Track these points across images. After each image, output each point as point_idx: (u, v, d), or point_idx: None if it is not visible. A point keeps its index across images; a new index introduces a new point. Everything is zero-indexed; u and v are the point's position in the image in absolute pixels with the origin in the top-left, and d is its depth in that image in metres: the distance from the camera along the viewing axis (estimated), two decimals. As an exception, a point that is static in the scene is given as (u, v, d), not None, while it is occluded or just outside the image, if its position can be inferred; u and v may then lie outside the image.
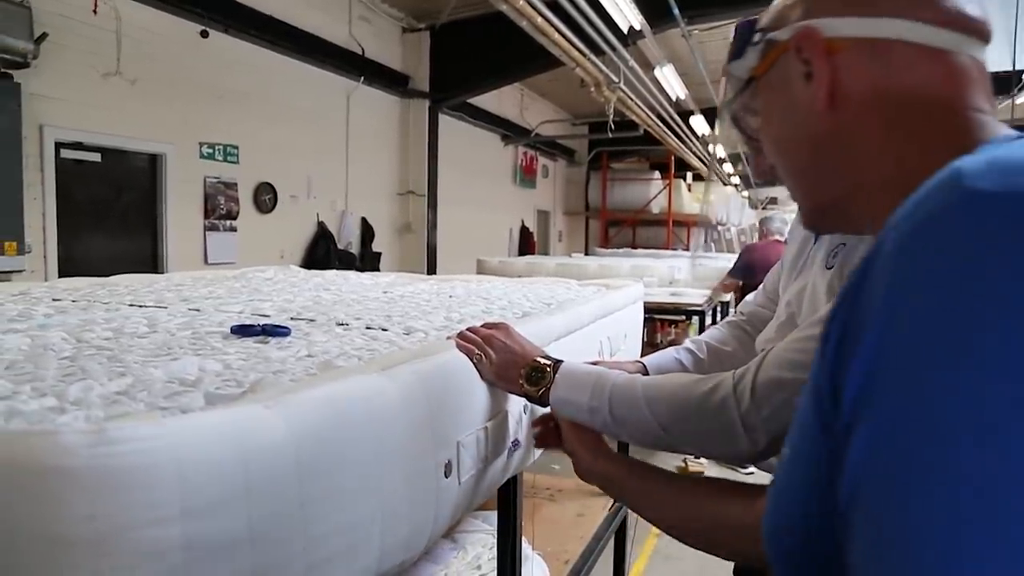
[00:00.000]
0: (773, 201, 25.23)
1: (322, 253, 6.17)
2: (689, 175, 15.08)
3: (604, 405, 0.98)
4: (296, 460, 0.67)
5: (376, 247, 7.10)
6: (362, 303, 1.72)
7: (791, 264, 1.16)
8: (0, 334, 1.11)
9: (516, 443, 1.21)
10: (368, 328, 1.30)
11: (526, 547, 1.76)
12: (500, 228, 10.80)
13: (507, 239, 11.05)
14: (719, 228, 16.11)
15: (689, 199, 14.52)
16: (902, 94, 0.56)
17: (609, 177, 13.97)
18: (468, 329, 1.12)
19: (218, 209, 5.17)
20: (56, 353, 0.96)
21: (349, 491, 0.74)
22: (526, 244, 11.53)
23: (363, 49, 6.62)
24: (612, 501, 2.61)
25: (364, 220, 6.97)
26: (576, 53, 6.03)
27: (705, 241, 15.70)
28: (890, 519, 0.33)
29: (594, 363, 1.14)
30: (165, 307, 1.53)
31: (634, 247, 12.74)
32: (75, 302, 1.64)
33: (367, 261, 6.87)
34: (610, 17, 5.87)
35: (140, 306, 1.58)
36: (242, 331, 1.13)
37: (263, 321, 1.30)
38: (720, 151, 13.93)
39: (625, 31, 6.28)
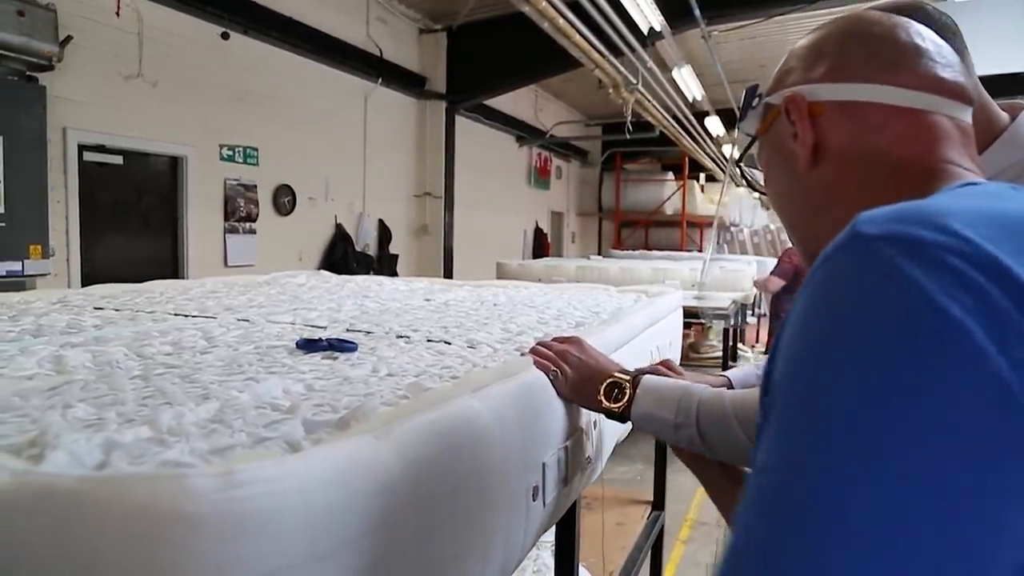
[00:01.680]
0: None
1: (340, 255, 6.14)
2: (702, 176, 15.02)
3: (691, 422, 0.94)
4: (412, 492, 0.63)
5: (393, 249, 7.07)
6: (409, 312, 1.68)
7: None
8: (59, 348, 1.08)
9: (589, 460, 1.17)
10: (429, 341, 1.26)
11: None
12: (515, 230, 10.76)
13: (521, 241, 11.01)
14: (732, 229, 16.03)
15: (702, 200, 14.46)
16: (877, 150, 0.62)
17: (622, 178, 13.92)
18: (540, 344, 1.08)
19: (238, 211, 5.14)
20: (125, 371, 0.93)
21: (458, 519, 0.70)
22: (540, 246, 11.48)
23: (381, 50, 6.60)
24: (650, 509, 2.58)
25: (381, 222, 6.94)
26: (596, 55, 5.99)
27: (718, 242, 15.63)
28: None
29: (676, 376, 1.10)
30: (214, 317, 1.49)
31: (647, 248, 12.69)
32: (118, 311, 1.60)
33: (384, 263, 6.85)
34: (630, 18, 5.82)
35: (186, 316, 1.55)
36: (308, 346, 1.09)
37: (318, 334, 1.27)
38: (734, 152, 13.86)
39: (645, 32, 6.23)
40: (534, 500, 0.92)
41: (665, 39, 6.56)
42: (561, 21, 5.10)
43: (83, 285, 3.99)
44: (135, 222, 4.52)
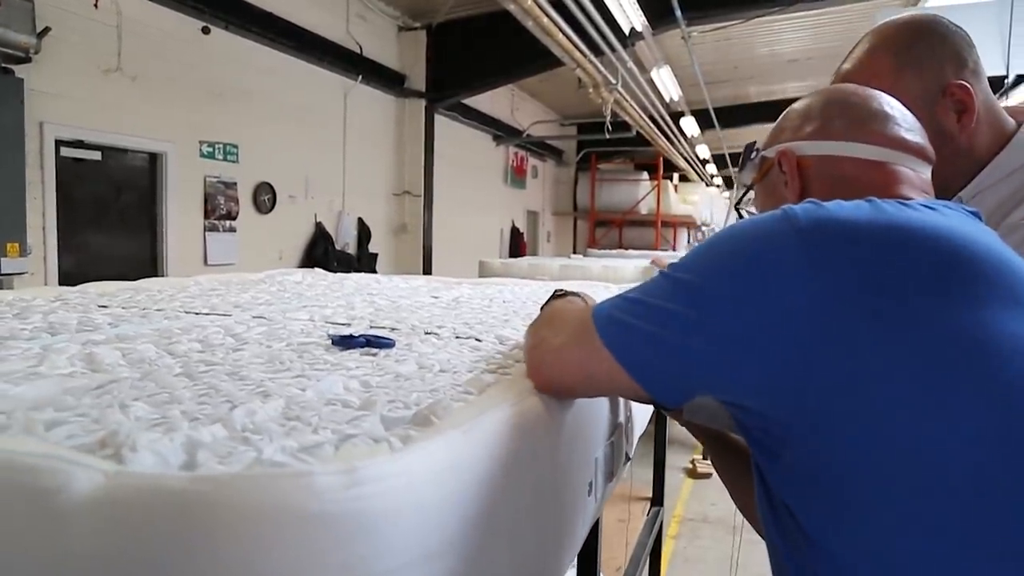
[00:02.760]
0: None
1: (320, 254, 6.07)
2: (676, 176, 15.15)
3: None
4: (502, 489, 0.62)
5: (372, 248, 7.01)
6: (422, 309, 1.66)
7: None
8: (83, 346, 1.04)
9: (627, 457, 1.16)
10: (458, 337, 1.24)
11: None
12: (492, 229, 10.74)
13: (499, 240, 10.99)
14: (703, 228, 16.20)
15: (676, 200, 14.58)
16: (848, 192, 0.71)
17: (597, 178, 13.97)
18: None
19: (218, 209, 5.05)
20: (167, 369, 0.90)
21: (539, 515, 0.69)
22: (517, 245, 11.48)
23: (360, 47, 6.53)
24: (650, 505, 2.58)
25: (361, 220, 6.88)
26: (578, 54, 5.99)
27: (689, 242, 15.77)
28: None
29: None
30: (228, 315, 1.46)
31: (621, 247, 12.75)
32: (125, 309, 1.56)
33: (364, 262, 6.78)
34: (612, 18, 5.84)
35: (196, 313, 1.51)
36: (344, 342, 1.07)
37: (343, 330, 1.24)
38: (705, 152, 14.00)
39: (627, 32, 6.26)
40: (588, 495, 0.91)
41: (645, 39, 6.59)
42: (545, 20, 5.10)
43: (60, 284, 3.88)
44: (113, 220, 4.41)
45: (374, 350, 1.05)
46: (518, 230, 11.78)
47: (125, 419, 0.66)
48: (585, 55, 6.12)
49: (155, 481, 0.48)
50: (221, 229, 5.10)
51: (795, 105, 0.88)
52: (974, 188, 0.97)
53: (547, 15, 5.09)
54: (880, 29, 1.03)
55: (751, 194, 0.98)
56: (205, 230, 4.98)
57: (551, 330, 0.80)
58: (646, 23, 6.08)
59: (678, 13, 5.95)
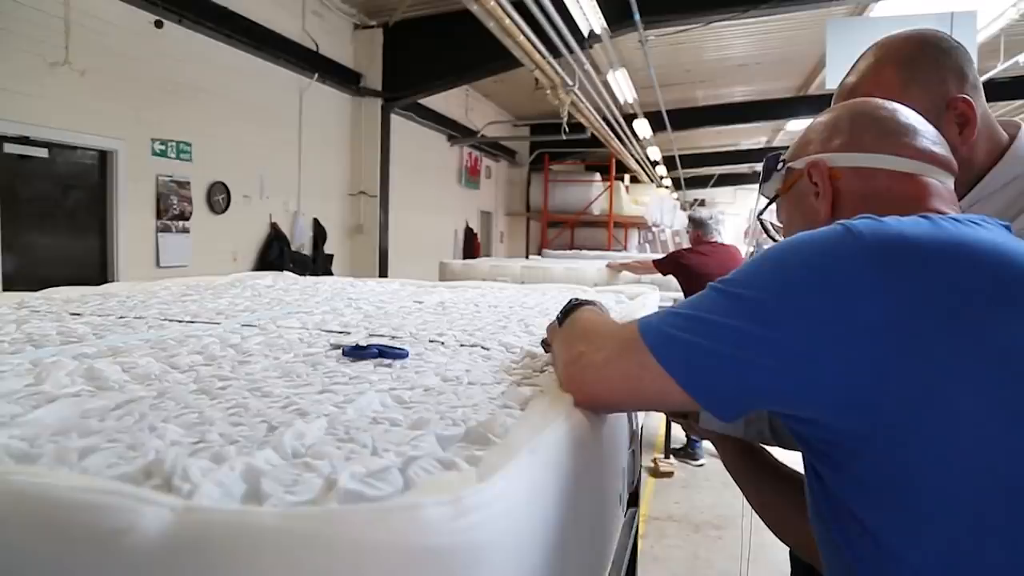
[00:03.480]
0: (701, 203, 26.04)
1: (276, 255, 5.93)
2: (627, 177, 15.31)
3: (764, 414, 0.96)
4: (568, 506, 0.60)
5: (328, 249, 6.89)
6: (412, 315, 1.63)
7: None
8: (73, 360, 0.99)
9: (641, 466, 1.16)
10: (462, 345, 1.22)
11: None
12: (446, 229, 10.68)
13: (453, 240, 10.93)
14: (654, 229, 16.40)
15: (628, 201, 14.73)
16: (882, 204, 0.74)
17: (550, 179, 14.02)
18: None
19: (171, 209, 4.88)
20: (181, 385, 0.85)
21: (594, 529, 0.68)
22: (471, 245, 11.43)
23: (317, 45, 6.41)
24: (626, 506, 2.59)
25: (316, 221, 6.75)
26: (537, 56, 6.00)
27: (640, 243, 15.96)
28: None
29: None
30: (217, 323, 1.40)
31: (572, 247, 12.83)
32: (102, 317, 1.48)
33: (320, 263, 6.66)
34: (572, 20, 5.86)
35: (180, 322, 1.45)
36: (356, 353, 1.03)
37: (341, 339, 1.21)
38: (656, 154, 14.19)
39: (586, 34, 6.30)
40: (619, 505, 0.91)
41: (603, 41, 6.63)
42: (507, 21, 5.09)
43: (3, 288, 3.69)
44: (61, 220, 4.22)
45: (387, 360, 1.02)
46: (472, 230, 11.74)
47: (162, 444, 0.62)
48: (544, 57, 6.13)
49: (238, 517, 0.45)
50: (174, 230, 4.94)
51: (819, 118, 0.90)
52: (971, 199, 1.00)
53: (509, 16, 5.07)
54: (884, 43, 1.05)
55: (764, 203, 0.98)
56: (157, 231, 4.81)
57: (590, 345, 0.79)
58: (605, 26, 6.12)
59: (636, 16, 6.00)
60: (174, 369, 0.96)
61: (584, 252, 8.89)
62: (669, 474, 4.75)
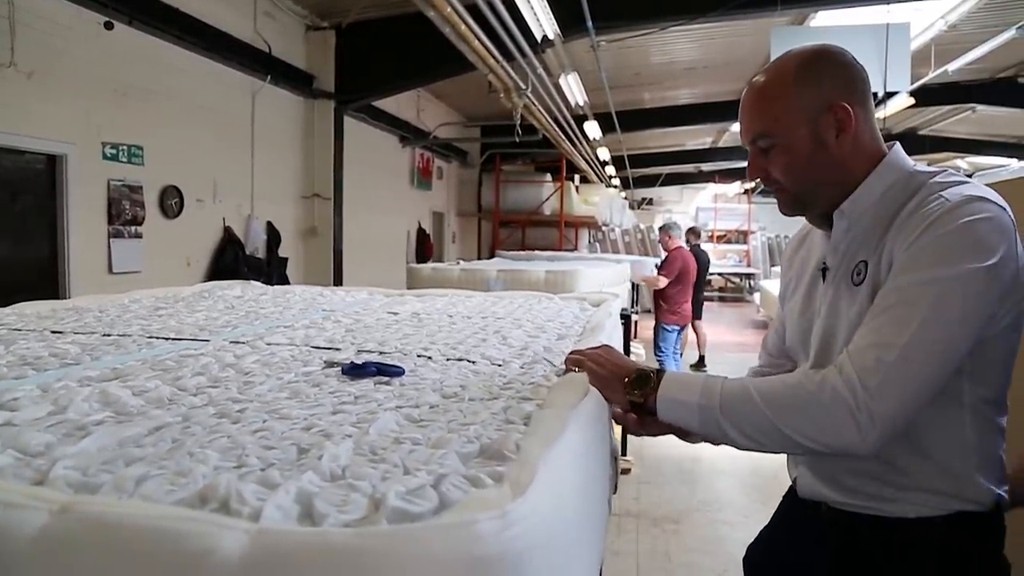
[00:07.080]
0: (649, 202, 26.30)
1: (230, 260, 5.87)
2: (577, 177, 15.50)
3: (715, 402, 1.00)
4: (584, 514, 0.68)
5: (282, 252, 6.84)
6: (391, 327, 1.69)
7: (787, 281, 1.33)
8: (79, 384, 1.02)
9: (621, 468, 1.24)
10: (448, 360, 1.29)
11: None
12: (399, 230, 10.66)
13: (405, 241, 10.92)
14: (604, 229, 16.61)
15: (578, 201, 14.92)
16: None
17: (501, 179, 14.11)
18: (574, 352, 1.19)
19: (123, 214, 4.80)
20: (199, 408, 0.90)
21: (591, 529, 0.76)
22: (424, 247, 11.44)
23: (269, 47, 6.35)
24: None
25: (270, 224, 6.69)
26: (492, 60, 6.06)
27: (590, 242, 16.16)
28: None
29: None
30: (207, 340, 1.44)
31: (523, 248, 12.93)
32: (85, 335, 1.50)
33: (274, 267, 6.61)
34: (525, 25, 5.94)
35: (167, 339, 1.48)
36: (355, 371, 1.09)
37: (334, 356, 1.26)
38: (605, 155, 14.40)
39: (539, 39, 6.39)
40: (608, 505, 0.99)
41: (556, 46, 6.74)
42: (463, 27, 5.14)
43: (-50, 297, 3.58)
44: (8, 225, 4.12)
45: (385, 379, 1.08)
46: (425, 231, 11.74)
47: (207, 469, 0.68)
48: (499, 61, 6.20)
49: (310, 537, 0.51)
50: (126, 235, 4.86)
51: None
52: (851, 204, 1.12)
53: (464, 22, 5.13)
54: (794, 48, 1.17)
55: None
56: (109, 236, 4.73)
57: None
58: (558, 31, 6.22)
59: (589, 23, 6.12)
60: (183, 391, 1.00)
61: (536, 252, 8.97)
62: (626, 471, 4.87)
